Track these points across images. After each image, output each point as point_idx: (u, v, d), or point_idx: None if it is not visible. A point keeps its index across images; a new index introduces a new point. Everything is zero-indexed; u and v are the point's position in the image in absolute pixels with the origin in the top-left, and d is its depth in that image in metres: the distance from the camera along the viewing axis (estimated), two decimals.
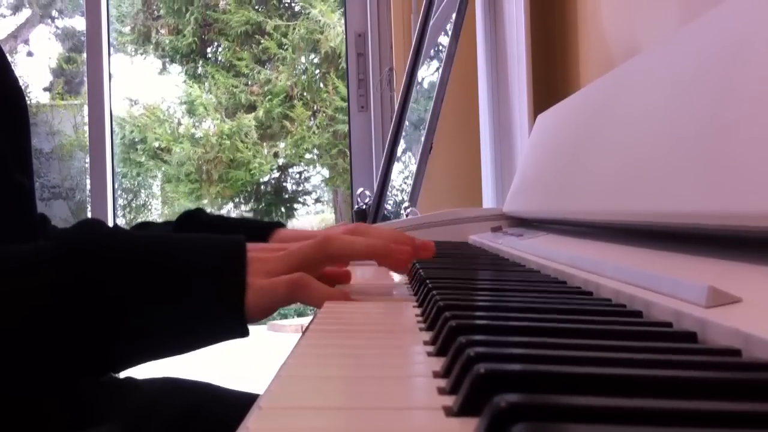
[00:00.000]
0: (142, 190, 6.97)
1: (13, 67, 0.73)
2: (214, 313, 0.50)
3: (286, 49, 6.45)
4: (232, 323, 0.51)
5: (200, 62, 6.81)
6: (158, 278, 0.50)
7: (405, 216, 1.84)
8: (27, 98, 0.74)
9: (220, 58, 6.81)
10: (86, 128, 2.82)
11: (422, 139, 1.99)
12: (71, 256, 0.49)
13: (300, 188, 6.99)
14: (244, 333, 0.52)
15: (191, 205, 6.43)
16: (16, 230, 0.67)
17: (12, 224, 0.66)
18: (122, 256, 0.50)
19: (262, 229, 0.79)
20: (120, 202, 6.60)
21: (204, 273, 0.50)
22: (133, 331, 0.49)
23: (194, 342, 0.52)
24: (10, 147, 0.67)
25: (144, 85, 6.84)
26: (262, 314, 0.51)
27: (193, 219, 0.83)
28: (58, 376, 0.51)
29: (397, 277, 0.75)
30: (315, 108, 6.47)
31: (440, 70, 1.96)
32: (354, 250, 0.56)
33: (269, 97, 6.44)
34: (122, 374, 0.57)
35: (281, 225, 0.81)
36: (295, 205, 6.93)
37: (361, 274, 0.77)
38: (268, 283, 0.51)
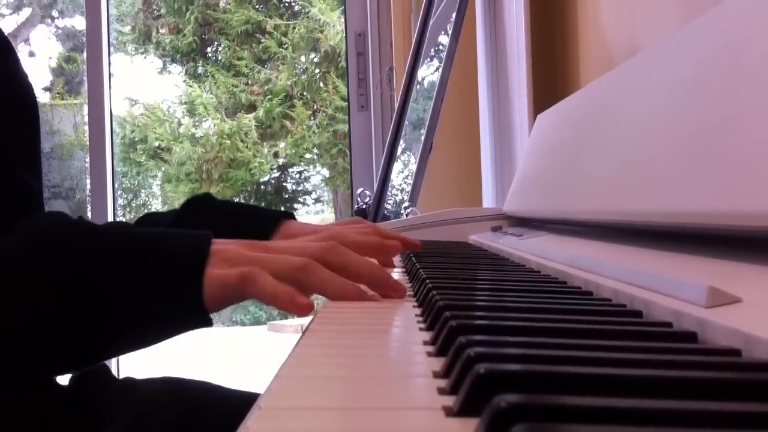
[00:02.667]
0: (142, 190, 6.96)
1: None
2: (172, 298, 0.50)
3: (286, 49, 6.45)
4: (190, 311, 0.50)
5: (200, 62, 6.80)
6: (121, 269, 0.50)
7: (405, 216, 1.84)
8: None
9: (220, 58, 6.80)
10: (86, 128, 2.82)
11: (422, 138, 1.99)
12: (43, 248, 0.50)
13: (300, 188, 6.98)
14: (205, 321, 0.51)
15: None
16: None
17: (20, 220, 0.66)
18: (89, 248, 0.50)
19: (268, 220, 0.79)
20: (120, 201, 6.60)
21: (163, 260, 0.50)
22: (97, 324, 0.49)
23: (156, 333, 0.52)
24: (19, 147, 0.66)
25: (144, 85, 6.84)
26: (215, 304, 0.50)
27: (199, 208, 0.81)
28: (19, 373, 0.51)
29: (397, 276, 0.75)
30: (315, 107, 6.47)
31: (440, 70, 1.96)
32: (327, 289, 0.53)
33: (269, 96, 6.44)
34: (122, 374, 0.57)
35: (290, 216, 0.80)
36: (295, 205, 6.93)
37: None
38: (222, 273, 0.50)
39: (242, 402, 0.73)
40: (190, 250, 0.51)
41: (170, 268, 0.50)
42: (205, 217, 0.79)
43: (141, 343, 0.52)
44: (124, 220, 6.32)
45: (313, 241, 0.58)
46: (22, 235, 0.51)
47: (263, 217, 0.80)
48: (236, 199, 6.67)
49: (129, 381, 0.78)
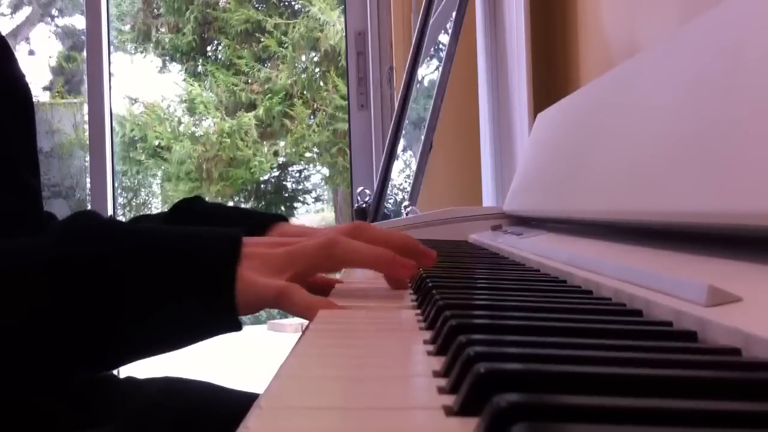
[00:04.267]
0: (142, 189, 6.97)
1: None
2: (204, 304, 0.49)
3: (286, 48, 6.45)
4: (222, 315, 0.50)
5: (200, 60, 6.80)
6: (148, 271, 0.49)
7: (405, 215, 1.84)
8: None
9: (220, 57, 6.80)
10: (86, 127, 2.82)
11: (422, 137, 1.99)
12: (69, 248, 0.49)
13: (300, 187, 6.98)
14: (236, 326, 0.51)
15: None
16: (26, 230, 0.67)
17: (22, 225, 0.66)
18: (113, 248, 0.50)
19: (260, 223, 0.77)
20: (120, 200, 6.60)
21: (195, 266, 0.49)
22: (125, 324, 0.48)
23: (185, 335, 0.51)
24: (19, 146, 0.67)
25: (144, 84, 6.83)
26: (247, 311, 0.50)
27: (189, 210, 0.80)
28: (51, 371, 0.51)
29: None
30: (315, 106, 6.47)
31: (440, 69, 1.96)
32: (359, 257, 0.54)
33: (269, 95, 6.44)
34: (123, 374, 0.57)
35: (283, 219, 0.78)
36: (295, 204, 6.93)
37: (362, 272, 0.77)
38: (260, 283, 0.49)
39: (242, 402, 0.73)
40: (221, 256, 0.50)
41: (202, 272, 0.49)
42: (196, 220, 0.78)
43: (170, 346, 0.52)
44: (123, 219, 6.33)
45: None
46: (52, 235, 0.51)
47: (254, 220, 0.77)
48: (236, 198, 6.67)
49: (130, 380, 0.78)
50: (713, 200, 0.47)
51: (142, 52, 6.84)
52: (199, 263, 0.50)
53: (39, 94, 6.60)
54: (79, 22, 6.75)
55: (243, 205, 6.74)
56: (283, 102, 6.42)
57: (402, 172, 2.99)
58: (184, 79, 6.79)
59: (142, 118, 6.52)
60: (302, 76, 6.46)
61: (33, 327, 0.48)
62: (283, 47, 6.46)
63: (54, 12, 7.01)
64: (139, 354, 0.52)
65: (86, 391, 0.70)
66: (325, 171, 6.87)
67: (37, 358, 0.49)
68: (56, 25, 7.02)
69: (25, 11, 6.80)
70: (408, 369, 0.34)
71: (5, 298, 0.47)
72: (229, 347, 5.07)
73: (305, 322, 0.48)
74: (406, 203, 1.96)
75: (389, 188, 1.95)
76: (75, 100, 6.55)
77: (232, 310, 0.49)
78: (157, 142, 6.49)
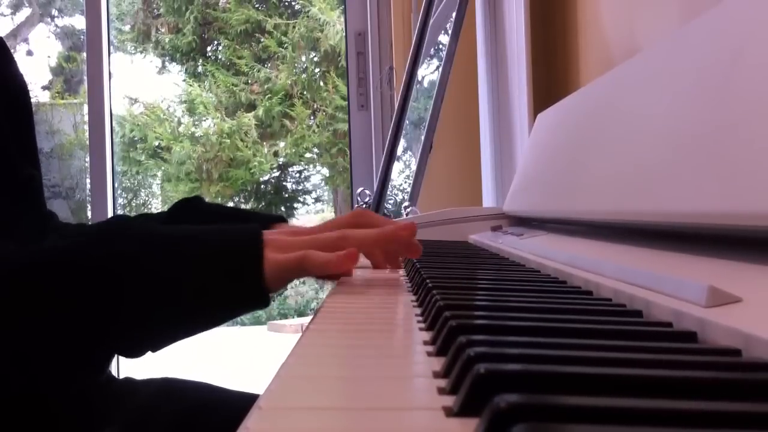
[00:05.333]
0: (142, 189, 6.96)
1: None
2: (237, 286, 0.55)
3: (286, 48, 6.45)
4: (253, 293, 0.55)
5: (200, 61, 6.80)
6: (184, 261, 0.54)
7: (405, 215, 1.84)
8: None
9: (220, 57, 6.80)
10: (86, 127, 2.82)
11: (422, 138, 1.99)
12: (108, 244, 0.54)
13: (300, 187, 6.98)
14: (266, 302, 0.57)
15: None
16: (29, 222, 0.67)
17: (24, 216, 0.66)
18: (147, 247, 0.55)
19: (259, 223, 0.77)
20: (120, 201, 6.60)
21: (225, 251, 0.56)
22: (165, 308, 0.53)
23: (223, 314, 0.57)
24: (17, 141, 0.67)
25: (144, 84, 6.83)
26: (278, 285, 0.57)
27: (189, 209, 0.81)
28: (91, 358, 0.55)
29: (398, 276, 0.75)
30: (315, 107, 6.47)
31: (440, 69, 1.96)
32: (368, 241, 0.62)
33: (269, 95, 6.43)
34: (122, 375, 0.58)
35: (282, 219, 0.79)
36: (295, 205, 6.93)
37: (362, 273, 0.77)
38: (282, 258, 0.56)
39: (242, 403, 0.73)
40: (249, 240, 0.57)
41: (234, 256, 0.56)
42: (194, 220, 0.79)
43: (208, 324, 0.57)
44: None
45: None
46: (88, 236, 0.57)
47: (251, 221, 0.79)
48: (236, 199, 6.67)
49: (129, 381, 0.78)
50: (713, 201, 0.47)
51: (141, 53, 6.84)
52: (230, 251, 0.56)
53: (38, 95, 6.60)
54: (79, 22, 6.75)
55: (243, 206, 6.73)
56: (282, 102, 6.42)
57: (402, 173, 2.99)
58: (184, 80, 6.79)
59: (141, 118, 6.52)
60: (302, 76, 6.46)
61: (57, 319, 0.51)
62: (283, 47, 6.46)
63: (54, 12, 7.01)
64: (178, 334, 0.56)
65: (86, 391, 0.70)
66: (325, 171, 6.87)
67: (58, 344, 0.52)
68: (56, 26, 7.02)
69: (25, 11, 6.80)
70: (408, 369, 0.34)
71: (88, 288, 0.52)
72: (229, 347, 5.08)
73: (305, 322, 0.48)
74: (406, 204, 1.96)
75: (389, 189, 1.95)
76: (75, 101, 6.54)
77: (261, 288, 0.55)
78: (156, 143, 6.49)
